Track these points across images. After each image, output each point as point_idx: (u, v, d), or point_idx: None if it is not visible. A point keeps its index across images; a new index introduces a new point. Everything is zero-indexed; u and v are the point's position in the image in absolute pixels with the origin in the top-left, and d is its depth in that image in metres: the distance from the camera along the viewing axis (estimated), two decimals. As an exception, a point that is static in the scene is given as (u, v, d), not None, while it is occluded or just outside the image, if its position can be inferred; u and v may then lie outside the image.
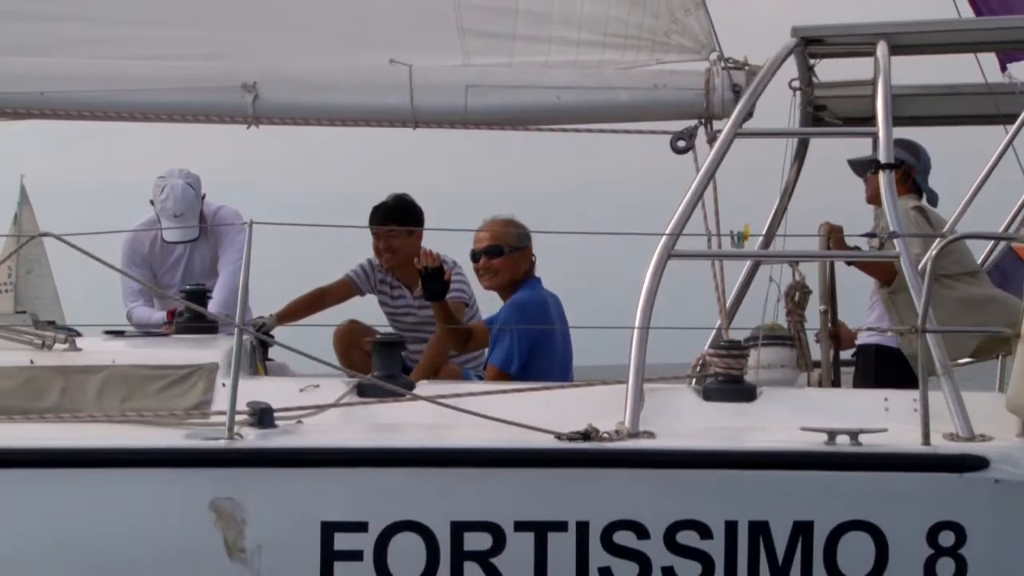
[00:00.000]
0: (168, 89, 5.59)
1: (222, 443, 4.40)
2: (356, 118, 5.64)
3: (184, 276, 5.97)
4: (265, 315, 5.94)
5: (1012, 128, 5.47)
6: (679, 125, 5.60)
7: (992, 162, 5.67)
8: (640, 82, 5.66)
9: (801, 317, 5.34)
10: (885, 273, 5.64)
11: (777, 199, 6.05)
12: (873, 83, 5.55)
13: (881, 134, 5.13)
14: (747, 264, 5.93)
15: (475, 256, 5.67)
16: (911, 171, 5.88)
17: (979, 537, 4.53)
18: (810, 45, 5.46)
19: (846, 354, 6.17)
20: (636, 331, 4.77)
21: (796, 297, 5.26)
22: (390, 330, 6.05)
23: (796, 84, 5.62)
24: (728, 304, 5.82)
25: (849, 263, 5.77)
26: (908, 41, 5.49)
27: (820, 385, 5.69)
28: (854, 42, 5.59)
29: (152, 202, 5.88)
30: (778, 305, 5.28)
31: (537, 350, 5.41)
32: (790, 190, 6.11)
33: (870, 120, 6.07)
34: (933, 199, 5.94)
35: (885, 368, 5.83)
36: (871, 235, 5.59)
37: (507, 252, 5.61)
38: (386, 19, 5.80)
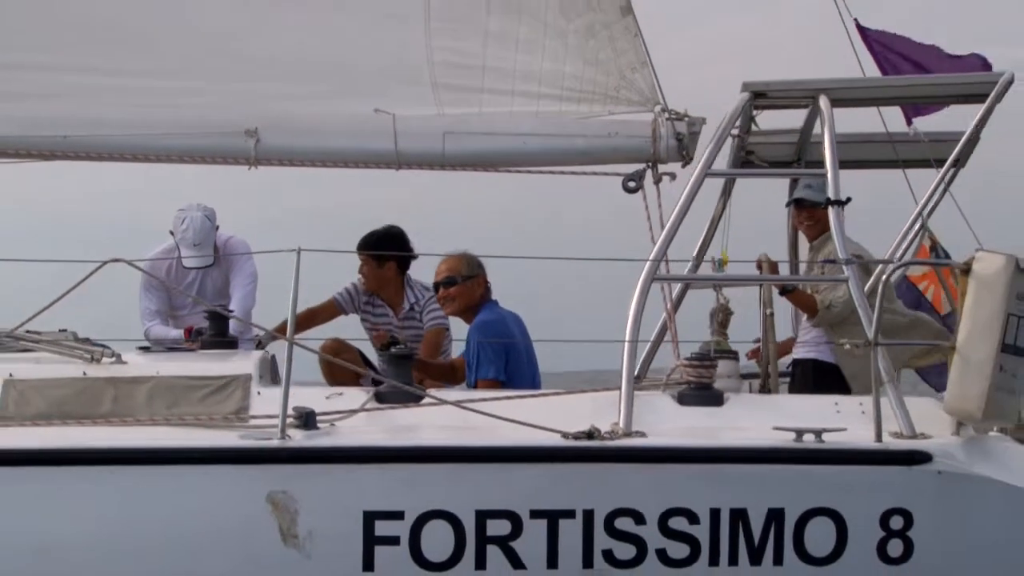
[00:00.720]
0: (180, 134, 6.15)
1: (275, 443, 4.91)
2: (347, 160, 6.24)
3: (200, 297, 6.56)
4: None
5: (941, 171, 6.08)
6: (629, 168, 6.29)
7: (923, 201, 6.28)
8: (595, 131, 6.30)
9: (725, 336, 6.00)
10: (810, 304, 6.34)
11: (705, 230, 6.67)
12: (801, 130, 6.30)
13: (830, 174, 5.70)
14: (677, 287, 6.55)
15: (435, 287, 6.28)
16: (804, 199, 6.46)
17: (924, 521, 5.08)
18: (756, 98, 6.00)
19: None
20: (627, 344, 5.34)
21: (720, 318, 5.92)
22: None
23: (735, 132, 6.18)
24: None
25: (781, 294, 6.44)
26: (843, 96, 6.04)
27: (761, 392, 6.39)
28: (794, 95, 6.16)
29: (172, 232, 6.48)
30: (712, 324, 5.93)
31: (509, 360, 6.00)
32: (716, 222, 6.75)
33: (788, 164, 6.85)
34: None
35: (822, 379, 6.45)
36: (830, 261, 6.17)
37: (460, 281, 6.19)
38: (370, 73, 6.36)
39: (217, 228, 6.51)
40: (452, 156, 6.23)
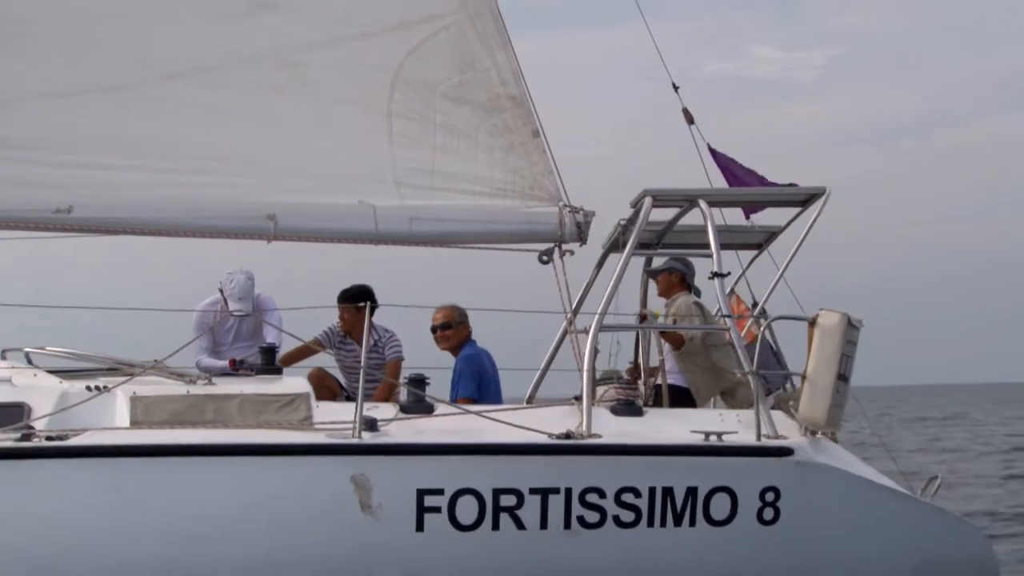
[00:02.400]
0: (215, 216, 7.92)
1: (354, 440, 6.72)
2: (341, 238, 8.16)
3: (235, 337, 8.31)
4: None
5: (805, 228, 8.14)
6: (542, 246, 8.31)
7: (788, 260, 8.22)
8: (516, 219, 8.33)
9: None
10: (677, 341, 8.43)
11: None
12: (668, 221, 8.44)
13: (715, 255, 7.75)
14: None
15: (434, 329, 8.21)
16: (687, 277, 8.65)
17: (788, 495, 7.11)
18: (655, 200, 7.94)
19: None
20: (584, 373, 7.29)
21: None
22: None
23: (623, 221, 8.28)
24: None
25: (661, 334, 8.53)
26: (715, 199, 8.11)
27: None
28: (678, 199, 8.24)
29: (220, 288, 8.24)
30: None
31: (481, 383, 7.98)
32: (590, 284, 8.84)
33: (651, 246, 9.01)
34: (698, 294, 8.69)
35: (677, 395, 8.52)
36: (729, 316, 7.91)
37: (454, 326, 8.21)
38: (353, 176, 8.18)
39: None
40: (416, 235, 8.19)
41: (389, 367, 8.44)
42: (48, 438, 6.57)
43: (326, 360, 8.53)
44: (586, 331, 7.69)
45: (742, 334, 8.13)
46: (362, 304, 7.98)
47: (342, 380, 8.51)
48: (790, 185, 8.25)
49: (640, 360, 8.71)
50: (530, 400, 8.56)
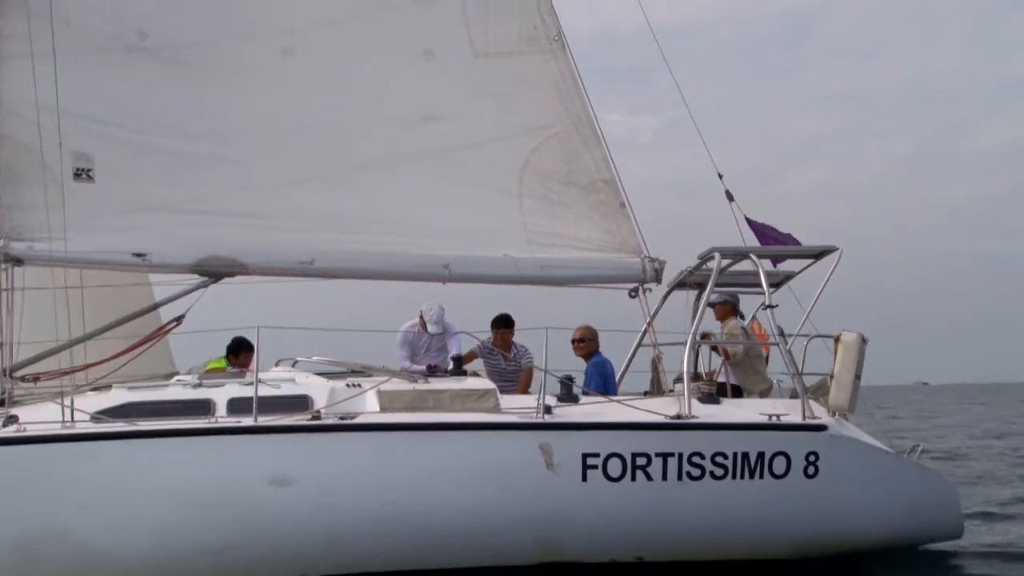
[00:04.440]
0: (407, 266, 10.62)
1: (539, 419, 9.23)
2: (494, 280, 10.83)
3: (426, 351, 10.83)
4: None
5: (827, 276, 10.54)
6: (630, 285, 11.13)
7: (815, 298, 10.58)
8: (611, 267, 11.06)
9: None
10: (728, 354, 11.14)
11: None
12: (720, 269, 11.19)
13: (766, 293, 10.28)
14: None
15: (573, 341, 10.83)
16: (736, 307, 11.33)
17: (824, 457, 9.61)
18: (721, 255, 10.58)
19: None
20: (685, 375, 9.78)
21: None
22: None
23: (687, 268, 11.15)
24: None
25: (713, 348, 11.24)
26: (760, 254, 10.58)
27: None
28: (736, 253, 10.74)
29: (421, 312, 10.76)
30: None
31: (604, 382, 10.59)
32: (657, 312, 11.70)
33: (703, 286, 11.76)
34: (743, 318, 11.28)
35: (731, 390, 11.00)
36: (781, 336, 10.41)
37: (587, 340, 10.84)
38: (498, 235, 10.83)
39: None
40: (545, 278, 10.96)
41: (525, 372, 11.08)
42: (340, 418, 9.13)
43: (476, 364, 11.18)
44: (678, 344, 10.49)
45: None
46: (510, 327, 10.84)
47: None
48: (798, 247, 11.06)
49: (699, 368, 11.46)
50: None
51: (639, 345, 11.52)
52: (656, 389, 11.01)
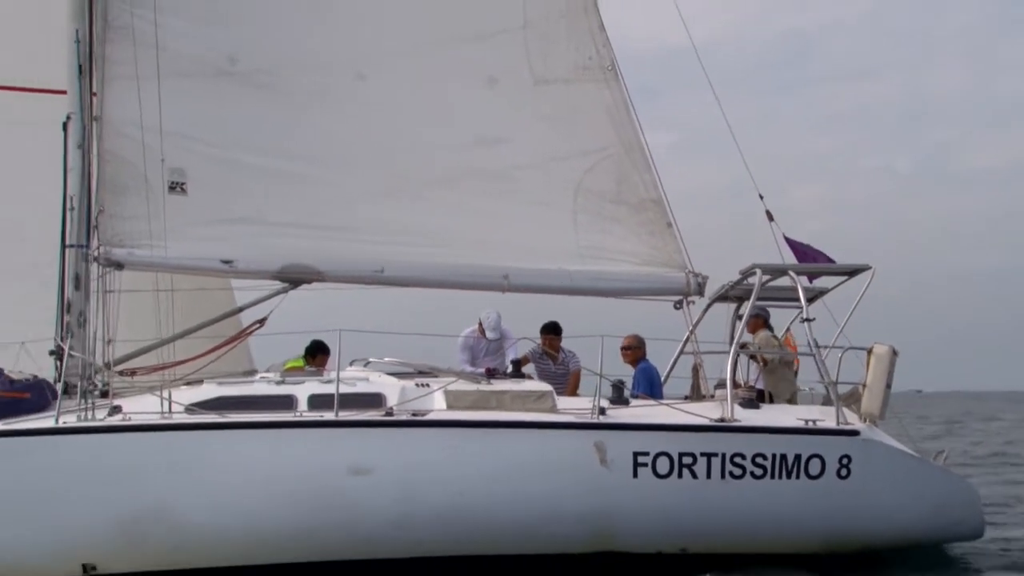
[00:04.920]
0: (470, 276, 11.38)
1: (594, 419, 9.98)
2: (549, 291, 11.59)
3: (485, 354, 11.59)
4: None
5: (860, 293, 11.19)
6: (675, 297, 11.93)
7: (850, 313, 11.25)
8: (658, 280, 11.79)
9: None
10: (764, 361, 11.82)
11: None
12: (763, 284, 11.92)
13: (804, 307, 10.96)
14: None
15: (623, 349, 11.58)
16: (767, 320, 12.10)
17: (856, 460, 10.26)
18: (763, 272, 11.33)
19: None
20: (728, 382, 10.88)
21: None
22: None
23: (728, 283, 11.92)
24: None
25: (751, 356, 11.90)
26: (799, 271, 11.32)
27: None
28: (775, 271, 11.49)
29: (480, 320, 11.56)
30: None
31: (651, 387, 11.32)
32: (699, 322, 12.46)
33: (743, 300, 12.51)
34: (772, 331, 12.00)
35: (762, 398, 11.66)
36: (819, 348, 11.36)
37: (634, 348, 11.58)
38: (554, 251, 11.69)
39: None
40: (599, 290, 11.72)
41: (573, 375, 11.84)
42: (412, 415, 9.91)
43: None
44: (717, 352, 11.23)
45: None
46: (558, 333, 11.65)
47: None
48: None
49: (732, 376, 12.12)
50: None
51: (680, 353, 12.24)
52: (696, 394, 11.75)
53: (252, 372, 11.11)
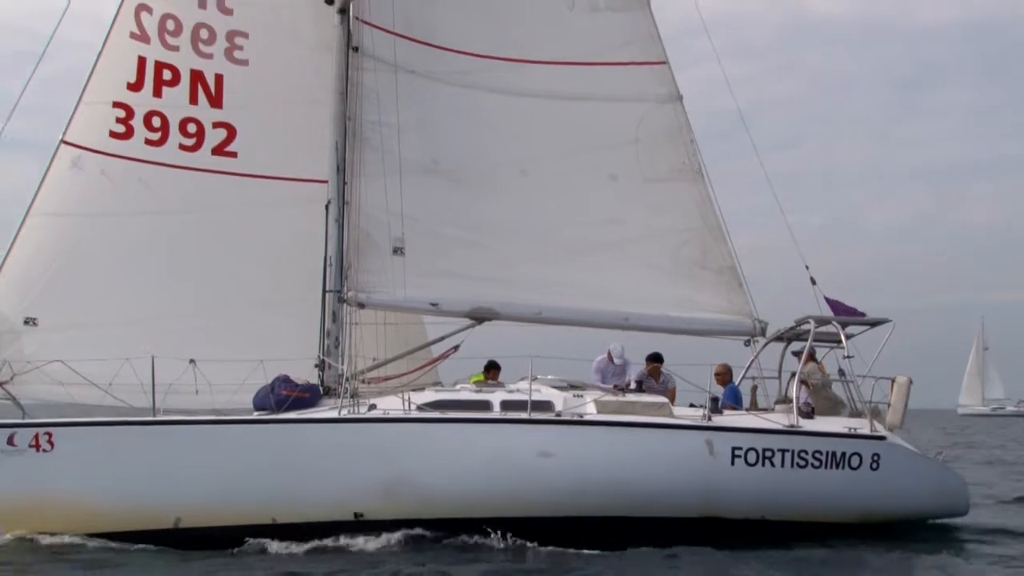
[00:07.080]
0: (597, 317, 15.04)
1: (704, 422, 13.45)
2: (659, 331, 15.26)
3: (612, 375, 15.01)
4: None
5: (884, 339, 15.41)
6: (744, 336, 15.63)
7: (878, 352, 15.31)
8: (731, 324, 15.44)
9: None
10: (808, 385, 15.46)
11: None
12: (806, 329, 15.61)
13: (846, 347, 14.50)
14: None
15: (716, 375, 15.06)
16: (814, 355, 15.83)
17: (883, 456, 13.73)
18: (815, 322, 14.98)
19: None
20: (795, 400, 14.38)
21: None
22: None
23: (781, 328, 15.62)
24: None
25: (801, 381, 15.51)
26: (840, 322, 14.87)
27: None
28: (822, 319, 14.97)
29: (609, 350, 15.07)
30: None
31: (736, 400, 14.76)
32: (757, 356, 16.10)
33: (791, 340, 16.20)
34: (819, 363, 15.83)
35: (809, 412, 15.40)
36: (855, 378, 15.37)
37: (723, 373, 15.04)
38: (660, 300, 15.49)
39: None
40: (694, 331, 15.35)
41: (671, 391, 15.22)
42: (576, 416, 13.42)
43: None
44: (771, 378, 14.89)
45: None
46: (660, 361, 15.24)
47: None
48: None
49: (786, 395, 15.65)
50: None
51: (743, 377, 15.83)
52: (754, 407, 15.12)
53: (438, 383, 14.65)
